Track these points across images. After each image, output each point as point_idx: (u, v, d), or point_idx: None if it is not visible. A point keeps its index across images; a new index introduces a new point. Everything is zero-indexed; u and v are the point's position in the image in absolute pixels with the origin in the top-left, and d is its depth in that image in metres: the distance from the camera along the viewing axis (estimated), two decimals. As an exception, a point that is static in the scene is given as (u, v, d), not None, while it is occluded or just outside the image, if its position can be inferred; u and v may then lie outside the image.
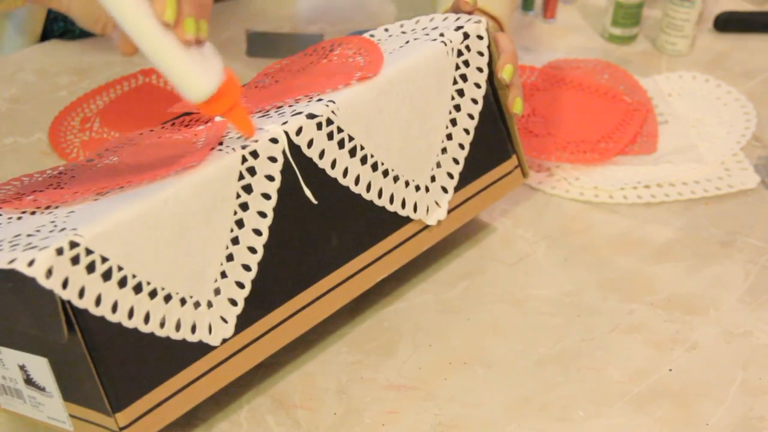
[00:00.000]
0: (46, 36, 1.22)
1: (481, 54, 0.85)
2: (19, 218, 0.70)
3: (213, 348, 0.70)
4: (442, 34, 0.84)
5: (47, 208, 0.70)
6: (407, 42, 0.85)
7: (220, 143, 0.72)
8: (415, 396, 0.79)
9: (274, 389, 0.79)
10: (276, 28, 1.26)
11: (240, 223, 0.71)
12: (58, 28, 1.21)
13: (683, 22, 1.21)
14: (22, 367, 0.71)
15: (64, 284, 0.61)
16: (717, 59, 1.24)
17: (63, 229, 0.64)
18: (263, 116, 0.76)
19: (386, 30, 0.89)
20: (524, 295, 0.89)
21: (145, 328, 0.66)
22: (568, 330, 0.85)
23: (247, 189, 0.71)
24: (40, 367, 0.69)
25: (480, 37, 0.85)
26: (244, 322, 0.72)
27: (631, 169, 1.03)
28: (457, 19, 0.87)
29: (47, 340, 0.67)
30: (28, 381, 0.71)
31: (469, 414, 0.77)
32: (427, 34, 0.85)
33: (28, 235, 0.65)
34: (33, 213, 0.70)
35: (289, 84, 0.82)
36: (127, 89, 1.13)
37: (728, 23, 1.29)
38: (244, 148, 0.71)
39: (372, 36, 0.88)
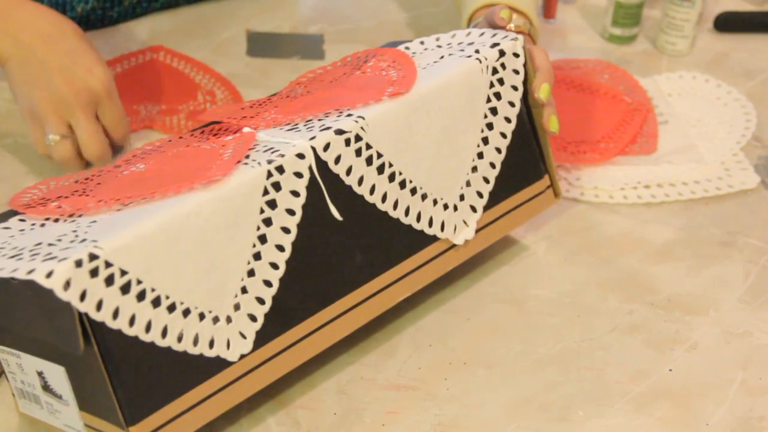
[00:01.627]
0: None
1: (516, 72, 0.84)
2: (42, 225, 0.69)
3: (230, 363, 0.70)
4: (477, 51, 0.82)
5: (70, 216, 0.69)
6: (442, 57, 0.84)
7: (247, 156, 0.72)
8: (415, 396, 0.79)
9: (274, 389, 0.79)
10: (276, 28, 1.26)
11: (263, 239, 0.70)
12: None
13: (683, 22, 1.21)
14: (40, 374, 0.71)
15: (82, 296, 0.61)
16: (717, 59, 1.24)
17: (84, 240, 0.63)
18: (291, 129, 0.75)
19: (422, 43, 0.88)
20: (524, 295, 0.89)
21: (162, 342, 0.66)
22: (568, 330, 0.85)
23: (272, 204, 0.70)
24: (57, 375, 0.69)
25: (516, 55, 0.83)
26: (263, 338, 0.71)
27: (631, 169, 1.03)
28: (494, 35, 0.85)
29: (64, 349, 0.67)
30: (46, 387, 0.71)
31: (469, 414, 0.77)
32: (463, 50, 0.84)
33: (49, 245, 0.64)
34: (56, 220, 0.69)
35: (320, 95, 0.81)
36: (134, 65, 1.14)
37: (728, 23, 1.29)
38: (270, 162, 0.70)
39: (407, 48, 0.87)
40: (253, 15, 1.28)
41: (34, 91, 0.94)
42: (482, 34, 0.86)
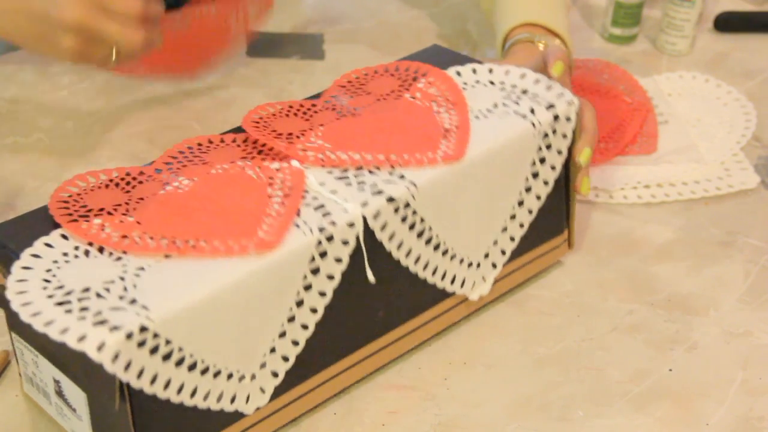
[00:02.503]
0: None
1: (564, 136, 0.83)
2: (87, 253, 0.67)
3: (245, 415, 0.71)
4: (532, 111, 0.81)
5: (114, 249, 0.67)
6: (495, 106, 0.82)
7: (298, 213, 0.70)
8: (415, 396, 0.79)
9: (274, 389, 0.79)
10: (276, 28, 1.26)
11: (300, 303, 0.70)
12: None
13: (683, 22, 1.21)
14: (56, 381, 0.70)
15: (127, 366, 0.61)
16: (717, 59, 1.24)
17: (133, 301, 0.63)
18: (341, 178, 0.74)
19: (474, 71, 0.86)
20: (524, 295, 0.89)
21: (189, 402, 0.66)
22: (568, 330, 0.85)
23: (315, 271, 0.70)
24: (76, 394, 0.69)
25: (568, 119, 0.83)
26: (279, 390, 0.72)
27: (631, 169, 1.03)
28: (549, 87, 0.83)
29: (98, 397, 0.67)
30: (60, 394, 0.71)
31: (469, 414, 0.77)
32: (518, 102, 0.82)
33: (98, 296, 0.63)
34: (100, 250, 0.67)
35: (368, 121, 0.79)
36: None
37: (728, 23, 1.29)
38: (321, 230, 0.69)
39: (459, 75, 0.86)
40: (253, 15, 1.28)
41: (44, 20, 0.87)
42: (537, 81, 0.84)
